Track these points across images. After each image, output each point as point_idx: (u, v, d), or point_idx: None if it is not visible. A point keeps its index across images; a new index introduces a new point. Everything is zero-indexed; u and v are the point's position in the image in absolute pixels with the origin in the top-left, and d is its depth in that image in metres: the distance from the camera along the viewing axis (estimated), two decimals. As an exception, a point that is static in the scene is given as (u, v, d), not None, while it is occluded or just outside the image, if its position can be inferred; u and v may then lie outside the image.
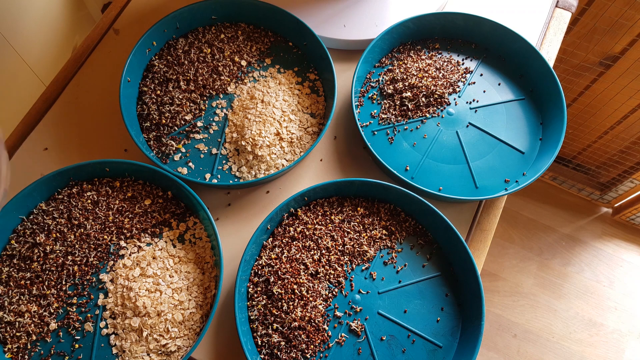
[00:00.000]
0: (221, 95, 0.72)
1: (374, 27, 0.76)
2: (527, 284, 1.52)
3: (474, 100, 0.73)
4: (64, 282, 0.60)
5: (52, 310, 0.59)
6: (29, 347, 0.57)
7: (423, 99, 0.71)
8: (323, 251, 0.62)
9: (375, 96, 0.73)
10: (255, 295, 0.60)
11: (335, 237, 0.63)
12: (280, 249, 0.62)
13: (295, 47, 0.76)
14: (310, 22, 0.73)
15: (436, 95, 0.72)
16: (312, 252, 0.62)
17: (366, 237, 0.63)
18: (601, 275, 1.55)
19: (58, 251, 0.61)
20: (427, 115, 0.71)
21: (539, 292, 1.51)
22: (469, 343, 0.58)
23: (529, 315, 1.48)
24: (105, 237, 0.62)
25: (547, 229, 1.60)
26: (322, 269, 0.61)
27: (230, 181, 0.67)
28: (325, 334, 0.59)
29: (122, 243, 0.62)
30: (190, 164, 0.68)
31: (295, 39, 0.76)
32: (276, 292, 0.59)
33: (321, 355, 0.58)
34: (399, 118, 0.71)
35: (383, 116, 0.71)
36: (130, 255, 0.62)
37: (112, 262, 0.61)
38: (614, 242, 1.60)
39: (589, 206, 1.64)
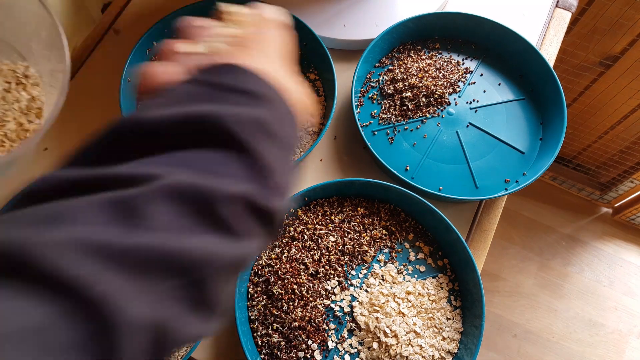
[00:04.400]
0: (221, 95, 0.72)
1: (374, 27, 0.76)
2: (527, 284, 1.52)
3: (474, 100, 0.73)
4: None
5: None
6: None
7: (423, 99, 0.71)
8: (323, 251, 0.62)
9: (375, 96, 0.73)
10: (255, 295, 0.60)
11: (335, 237, 0.63)
12: (280, 249, 0.62)
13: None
14: (310, 22, 0.73)
15: (436, 95, 0.72)
16: (312, 252, 0.62)
17: (366, 237, 0.63)
18: (601, 275, 1.55)
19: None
20: (427, 115, 0.71)
21: (539, 292, 1.51)
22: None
23: (529, 315, 1.48)
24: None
25: (547, 229, 1.60)
26: (322, 269, 0.61)
27: (230, 181, 0.67)
28: (325, 334, 0.59)
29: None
30: (190, 164, 0.67)
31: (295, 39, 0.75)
32: (276, 292, 0.59)
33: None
34: (399, 118, 0.71)
35: (383, 116, 0.71)
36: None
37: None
38: (614, 242, 1.60)
39: (589, 206, 1.64)
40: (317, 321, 0.58)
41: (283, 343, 0.57)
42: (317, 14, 0.77)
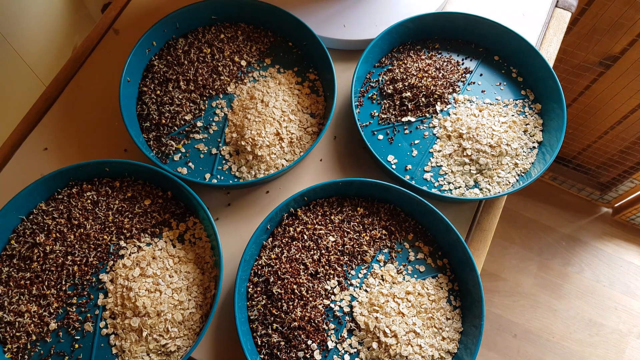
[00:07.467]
0: (221, 95, 0.72)
1: (374, 27, 0.76)
2: (527, 284, 1.52)
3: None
4: (63, 282, 0.60)
5: (51, 310, 0.59)
6: (28, 347, 0.57)
7: (423, 99, 0.71)
8: (323, 251, 0.62)
9: (375, 96, 0.73)
10: (255, 295, 0.60)
11: (335, 237, 0.63)
12: (280, 249, 0.62)
13: (295, 47, 0.76)
14: (310, 22, 0.73)
15: (436, 95, 0.72)
16: (311, 252, 0.62)
17: (366, 237, 0.63)
18: (601, 275, 1.55)
19: (58, 251, 0.61)
20: (427, 115, 0.71)
21: (539, 292, 1.51)
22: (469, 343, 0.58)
23: (529, 315, 1.48)
24: (105, 237, 0.62)
25: (547, 229, 1.60)
26: (322, 269, 0.61)
27: (230, 181, 0.67)
28: (325, 334, 0.59)
29: (122, 243, 0.62)
30: (190, 164, 0.68)
31: (295, 39, 0.76)
32: (276, 292, 0.59)
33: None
34: (399, 118, 0.71)
35: (383, 116, 0.71)
36: (130, 255, 0.62)
37: (111, 262, 0.61)
38: (614, 242, 1.60)
39: (589, 206, 1.64)
40: (316, 321, 0.58)
41: (283, 343, 0.57)
42: (317, 14, 0.77)
